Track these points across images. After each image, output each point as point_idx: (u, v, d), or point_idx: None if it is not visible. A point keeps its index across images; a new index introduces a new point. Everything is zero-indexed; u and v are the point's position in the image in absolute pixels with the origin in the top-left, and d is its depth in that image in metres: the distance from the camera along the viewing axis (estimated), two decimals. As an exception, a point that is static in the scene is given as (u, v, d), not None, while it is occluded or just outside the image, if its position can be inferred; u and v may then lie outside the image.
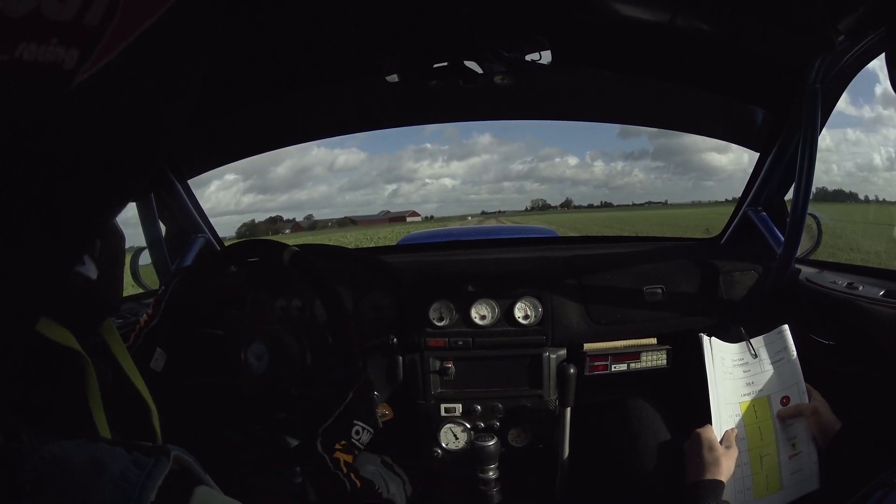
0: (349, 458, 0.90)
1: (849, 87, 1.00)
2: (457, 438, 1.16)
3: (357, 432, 0.89)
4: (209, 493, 0.29)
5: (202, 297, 1.00)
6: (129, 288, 1.30)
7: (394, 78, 1.13)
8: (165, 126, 0.30)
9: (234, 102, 1.23)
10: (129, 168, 0.29)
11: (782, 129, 1.14)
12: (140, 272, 1.30)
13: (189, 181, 1.37)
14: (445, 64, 1.10)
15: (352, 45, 1.06)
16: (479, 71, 1.11)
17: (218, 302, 1.08)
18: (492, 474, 1.10)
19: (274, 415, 0.98)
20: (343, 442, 0.88)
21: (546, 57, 1.06)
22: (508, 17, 1.01)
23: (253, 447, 0.96)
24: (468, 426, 1.16)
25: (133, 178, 0.30)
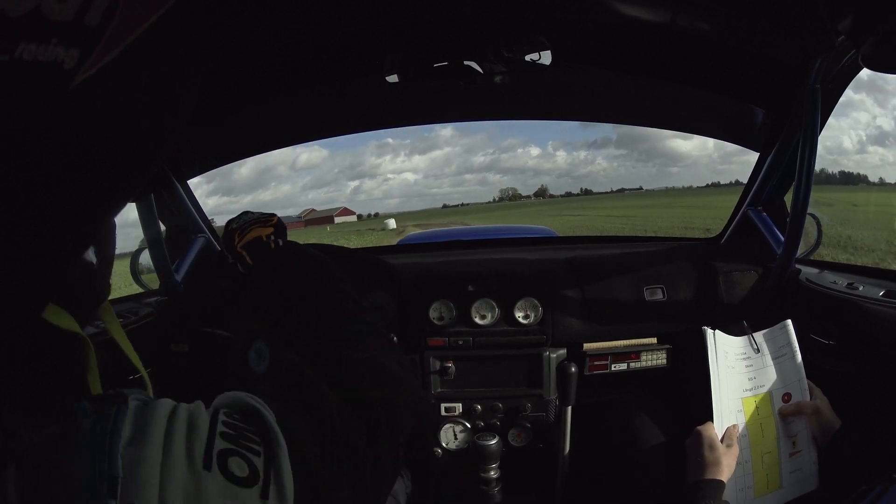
0: None
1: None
2: (457, 438, 1.16)
3: None
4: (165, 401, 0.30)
5: (205, 296, 1.00)
6: (129, 288, 1.30)
7: (394, 78, 1.13)
8: (165, 126, 0.30)
9: (234, 102, 1.23)
10: (128, 168, 0.29)
11: (782, 129, 1.14)
12: (140, 272, 1.30)
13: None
14: (445, 64, 1.10)
15: (352, 44, 1.06)
16: (480, 71, 1.11)
17: (220, 301, 1.08)
18: (493, 473, 1.10)
19: None
20: None
21: (546, 57, 1.06)
22: (509, 17, 1.01)
23: None
24: (468, 426, 1.16)
25: (133, 177, 0.30)
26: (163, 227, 1.30)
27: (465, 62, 1.09)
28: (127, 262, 1.27)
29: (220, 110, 1.22)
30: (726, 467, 0.81)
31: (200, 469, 0.28)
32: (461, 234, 3.89)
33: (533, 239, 2.19)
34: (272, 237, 0.70)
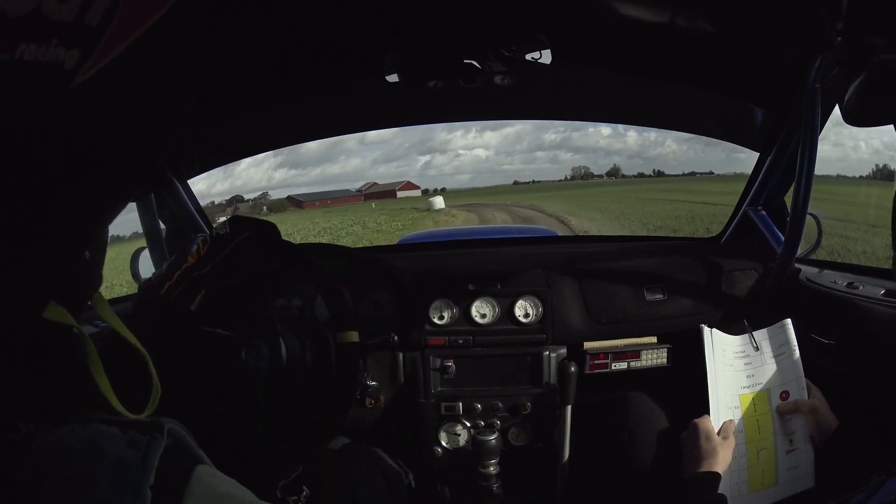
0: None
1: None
2: (457, 437, 1.17)
3: (305, 496, 0.94)
4: (208, 472, 0.28)
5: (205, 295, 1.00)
6: (130, 288, 1.30)
7: (393, 77, 1.13)
8: (165, 126, 0.30)
9: (234, 102, 1.23)
10: (128, 168, 0.29)
11: (782, 128, 1.14)
12: (140, 272, 1.30)
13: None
14: (445, 63, 1.10)
15: (352, 44, 1.06)
16: (479, 70, 1.11)
17: (220, 300, 1.08)
18: (493, 469, 1.10)
19: (273, 413, 0.98)
20: (295, 497, 0.93)
21: (546, 56, 1.06)
22: (509, 17, 1.01)
23: (253, 445, 0.97)
24: (468, 424, 1.16)
25: (133, 177, 0.30)
26: (163, 227, 1.30)
27: (465, 62, 1.10)
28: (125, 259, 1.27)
29: (220, 110, 1.23)
30: (722, 459, 0.81)
31: None
32: (461, 234, 3.91)
33: (533, 238, 2.20)
34: None
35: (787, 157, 1.16)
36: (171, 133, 0.30)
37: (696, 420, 0.86)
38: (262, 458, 0.91)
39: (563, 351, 1.17)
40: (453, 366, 1.15)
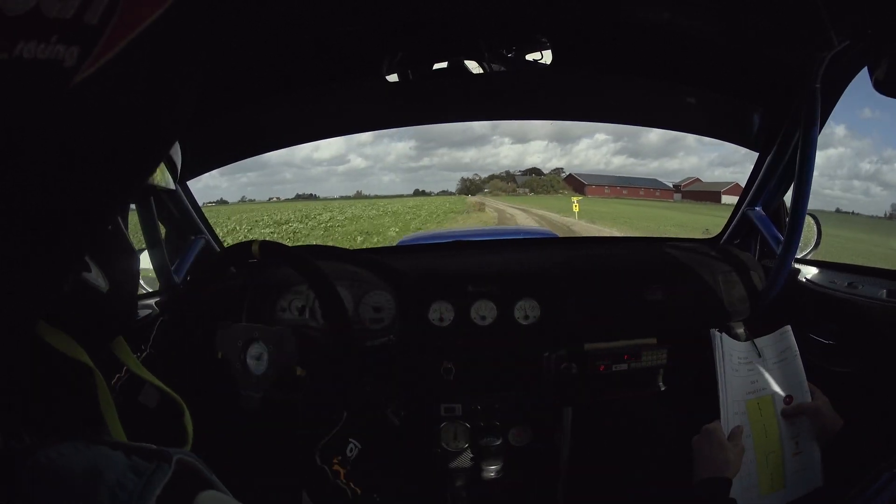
0: (343, 470, 0.93)
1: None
2: (456, 438, 1.16)
3: (350, 449, 0.94)
4: (214, 496, 0.28)
5: (202, 299, 1.00)
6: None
7: (394, 78, 1.13)
8: (164, 125, 0.29)
9: (233, 102, 1.23)
10: (127, 168, 0.29)
11: (781, 128, 1.15)
12: (139, 274, 1.30)
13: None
14: (445, 64, 1.10)
15: (352, 44, 1.06)
16: (479, 71, 1.11)
17: (218, 303, 1.08)
18: (494, 474, 1.10)
19: (274, 416, 0.97)
20: (338, 457, 0.92)
21: (546, 57, 1.06)
22: (509, 17, 1.01)
23: (254, 450, 0.96)
24: (468, 426, 1.16)
25: (131, 177, 0.30)
26: (162, 229, 1.30)
27: (466, 62, 1.10)
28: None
29: (220, 110, 1.22)
30: (734, 465, 0.81)
31: None
32: (461, 236, 3.91)
33: (532, 240, 2.20)
34: None
35: (787, 157, 1.16)
36: (170, 133, 0.30)
37: (707, 426, 0.87)
38: (266, 461, 0.90)
39: (563, 352, 1.17)
40: (453, 367, 1.15)
